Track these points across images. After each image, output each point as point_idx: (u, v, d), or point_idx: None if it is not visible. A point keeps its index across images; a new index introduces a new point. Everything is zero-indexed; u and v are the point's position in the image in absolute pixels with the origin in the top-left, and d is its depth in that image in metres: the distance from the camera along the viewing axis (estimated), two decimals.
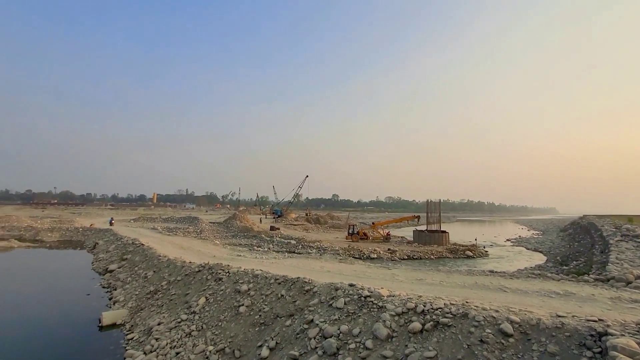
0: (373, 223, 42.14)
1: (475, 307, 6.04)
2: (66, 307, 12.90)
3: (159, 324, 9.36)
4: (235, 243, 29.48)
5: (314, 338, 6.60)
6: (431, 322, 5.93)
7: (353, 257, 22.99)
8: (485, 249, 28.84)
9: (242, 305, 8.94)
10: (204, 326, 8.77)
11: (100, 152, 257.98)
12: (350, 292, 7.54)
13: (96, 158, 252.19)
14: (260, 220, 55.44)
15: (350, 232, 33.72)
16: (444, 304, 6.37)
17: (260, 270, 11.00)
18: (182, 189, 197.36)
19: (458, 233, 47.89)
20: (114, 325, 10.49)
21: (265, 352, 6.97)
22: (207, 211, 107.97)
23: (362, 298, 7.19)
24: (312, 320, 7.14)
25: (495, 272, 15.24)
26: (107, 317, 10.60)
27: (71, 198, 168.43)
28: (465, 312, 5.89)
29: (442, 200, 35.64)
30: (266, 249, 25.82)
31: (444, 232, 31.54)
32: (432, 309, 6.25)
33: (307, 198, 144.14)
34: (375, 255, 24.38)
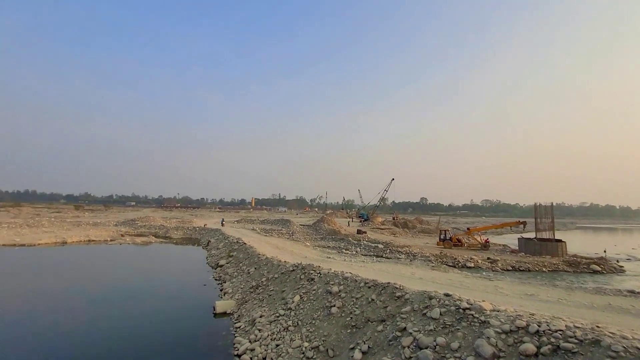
0: (468, 229, 38.53)
1: (610, 334, 4.98)
2: (188, 294, 15.39)
3: (260, 316, 10.37)
4: (324, 245, 30.59)
5: (408, 347, 6.39)
6: (549, 346, 5.11)
7: (446, 264, 21.45)
8: (620, 264, 23.47)
9: (334, 306, 9.24)
10: (299, 322, 9.35)
11: (211, 164, 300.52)
12: (447, 302, 7.06)
13: (208, 169, 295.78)
14: (348, 224, 56.30)
15: (443, 237, 31.55)
16: (566, 325, 5.43)
17: (350, 273, 11.19)
18: (275, 193, 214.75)
19: (579, 243, 40.23)
20: (224, 314, 12.01)
21: (358, 354, 7.05)
22: (297, 214, 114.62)
23: (461, 310, 6.66)
24: (405, 329, 6.93)
25: (638, 292, 12.30)
26: (220, 306, 12.22)
27: (189, 202, 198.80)
28: (596, 339, 4.91)
29: (554, 204, 30.36)
30: (354, 252, 26.10)
31: (560, 241, 26.91)
32: (549, 330, 5.39)
33: (393, 202, 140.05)
34: (473, 264, 22.24)
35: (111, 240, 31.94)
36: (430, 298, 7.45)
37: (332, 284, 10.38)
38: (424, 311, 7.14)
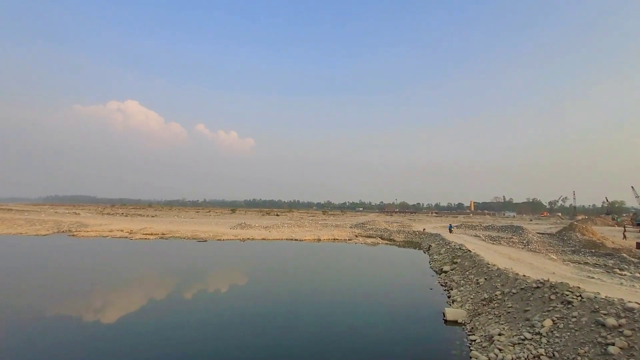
0: None
1: None
2: (415, 296, 16.00)
3: (499, 334, 9.25)
4: (579, 261, 23.37)
5: None
6: None
7: None
8: None
9: (612, 344, 6.88)
10: (556, 354, 7.59)
11: (423, 168, 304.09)
12: None
13: (425, 174, 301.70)
14: (624, 236, 40.33)
15: None
16: None
17: (637, 303, 8.00)
18: (498, 196, 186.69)
19: None
20: (455, 322, 11.58)
21: None
22: (531, 220, 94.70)
23: None
24: None
25: None
26: (450, 313, 11.92)
27: (406, 207, 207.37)
28: None
29: None
30: (636, 275, 18.32)
31: None
32: None
33: None
34: None
35: (349, 240, 38.39)
36: None
37: (606, 315, 7.80)
38: None
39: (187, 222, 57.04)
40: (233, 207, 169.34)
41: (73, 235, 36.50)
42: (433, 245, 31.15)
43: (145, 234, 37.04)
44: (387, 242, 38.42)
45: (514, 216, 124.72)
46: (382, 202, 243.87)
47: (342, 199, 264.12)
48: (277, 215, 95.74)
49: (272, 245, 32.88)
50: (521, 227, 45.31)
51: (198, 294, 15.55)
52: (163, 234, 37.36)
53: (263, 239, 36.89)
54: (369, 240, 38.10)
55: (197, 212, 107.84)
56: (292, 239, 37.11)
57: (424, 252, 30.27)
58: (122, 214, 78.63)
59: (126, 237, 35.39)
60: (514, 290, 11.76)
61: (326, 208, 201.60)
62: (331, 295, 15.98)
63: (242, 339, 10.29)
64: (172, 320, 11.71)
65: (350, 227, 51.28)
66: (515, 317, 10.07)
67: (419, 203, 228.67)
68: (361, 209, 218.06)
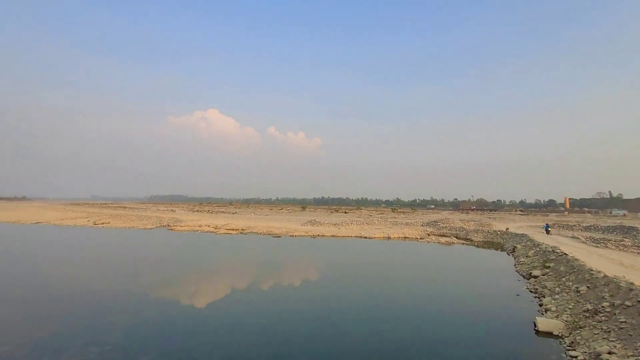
0: None
1: None
2: (499, 301, 14.70)
3: (609, 353, 8.04)
4: None
5: None
6: None
7: None
8: None
9: None
10: None
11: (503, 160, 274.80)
12: None
13: (507, 169, 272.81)
14: None
15: None
16: None
17: None
18: (602, 191, 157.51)
19: None
20: (549, 334, 10.38)
21: None
22: None
23: None
24: None
25: None
26: (542, 323, 10.73)
27: (485, 204, 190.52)
28: None
29: None
30: None
31: None
32: None
33: None
34: None
35: (420, 239, 36.91)
36: None
37: None
38: None
39: (262, 218, 61.25)
40: (303, 204, 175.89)
41: (171, 229, 42.22)
42: (519, 246, 28.12)
43: (228, 229, 40.94)
44: (463, 241, 35.90)
45: (624, 215, 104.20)
46: (456, 199, 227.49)
47: (412, 196, 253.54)
48: (346, 212, 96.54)
49: (342, 243, 33.42)
50: (636, 227, 38.04)
51: (276, 286, 16.72)
52: (243, 230, 40.82)
53: (333, 236, 37.68)
54: (443, 240, 36.08)
55: (271, 209, 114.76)
56: (361, 237, 37.16)
57: (508, 254, 27.52)
58: (208, 211, 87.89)
59: (212, 232, 39.62)
60: (628, 303, 10.05)
61: (395, 206, 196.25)
62: (404, 299, 15.31)
63: (313, 337, 10.80)
64: (251, 308, 12.86)
65: (422, 225, 49.16)
66: (631, 335, 8.63)
67: (499, 200, 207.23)
68: (433, 206, 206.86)
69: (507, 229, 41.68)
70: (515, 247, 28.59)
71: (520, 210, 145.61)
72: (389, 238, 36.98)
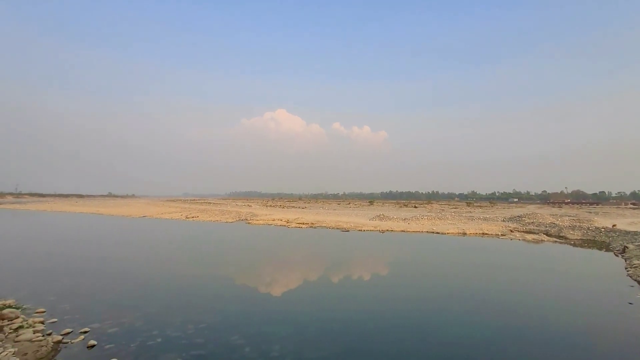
0: None
1: None
2: (603, 311, 12.65)
3: None
4: None
5: None
6: None
7: None
8: None
9: None
10: None
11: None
12: None
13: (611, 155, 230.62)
14: None
15: None
16: None
17: None
18: None
19: None
20: None
21: None
22: None
23: None
24: None
25: None
26: None
27: (583, 197, 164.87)
28: None
29: None
30: None
31: None
32: None
33: None
34: None
35: (501, 235, 33.65)
36: None
37: None
38: None
39: (330, 213, 62.56)
40: (370, 199, 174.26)
41: (248, 222, 45.93)
42: (631, 246, 23.76)
43: (299, 223, 42.86)
44: (555, 239, 31.64)
45: None
46: (545, 191, 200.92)
47: (490, 188, 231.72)
48: (415, 207, 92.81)
49: (412, 238, 32.35)
50: None
51: (353, 280, 17.06)
52: (312, 224, 42.32)
53: (402, 230, 36.70)
54: (529, 237, 32.33)
55: (338, 204, 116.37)
56: (432, 232, 35.45)
57: (616, 255, 23.46)
58: (280, 205, 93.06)
59: (284, 226, 41.94)
60: None
61: (471, 199, 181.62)
62: (487, 303, 13.96)
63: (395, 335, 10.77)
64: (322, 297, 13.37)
65: (503, 221, 44.71)
66: None
67: (602, 191, 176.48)
68: (516, 199, 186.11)
69: (614, 225, 35.48)
70: (626, 246, 24.26)
71: (632, 204, 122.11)
72: (464, 234, 34.55)
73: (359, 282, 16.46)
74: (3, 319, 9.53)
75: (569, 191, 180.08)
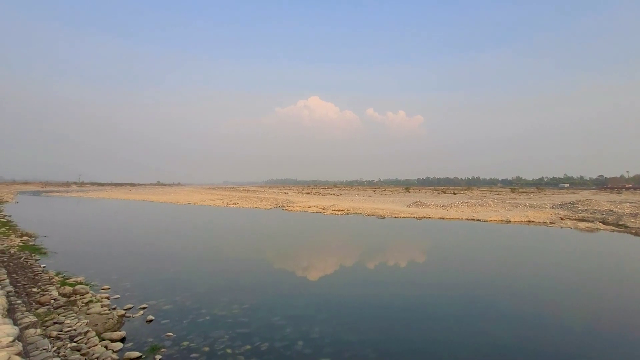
0: None
1: None
2: None
3: None
4: None
5: None
6: None
7: None
8: None
9: None
10: None
11: None
12: None
13: None
14: None
15: None
16: None
17: None
18: None
19: None
20: None
21: None
22: None
23: None
24: None
25: None
26: None
27: None
28: None
29: None
30: None
31: None
32: None
33: None
34: None
35: (550, 223, 31.50)
36: None
37: None
38: None
39: (366, 200, 62.24)
40: (406, 185, 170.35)
41: (285, 209, 47.17)
42: None
43: (334, 210, 43.24)
44: (613, 228, 29.01)
45: None
46: (602, 175, 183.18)
47: (538, 173, 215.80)
48: (454, 193, 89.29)
49: (451, 225, 31.36)
50: None
51: (388, 265, 17.08)
52: (348, 211, 42.47)
53: (440, 217, 35.67)
54: (583, 225, 29.93)
55: (374, 191, 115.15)
56: (473, 219, 34.06)
57: None
58: (315, 193, 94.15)
59: (320, 212, 42.53)
60: None
61: (515, 185, 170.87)
62: (544, 302, 13.51)
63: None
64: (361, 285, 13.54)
65: (552, 208, 41.69)
66: None
67: None
68: (567, 185, 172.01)
69: None
70: None
71: None
72: (508, 221, 32.81)
73: (396, 269, 16.41)
74: (76, 294, 10.84)
75: (631, 175, 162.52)
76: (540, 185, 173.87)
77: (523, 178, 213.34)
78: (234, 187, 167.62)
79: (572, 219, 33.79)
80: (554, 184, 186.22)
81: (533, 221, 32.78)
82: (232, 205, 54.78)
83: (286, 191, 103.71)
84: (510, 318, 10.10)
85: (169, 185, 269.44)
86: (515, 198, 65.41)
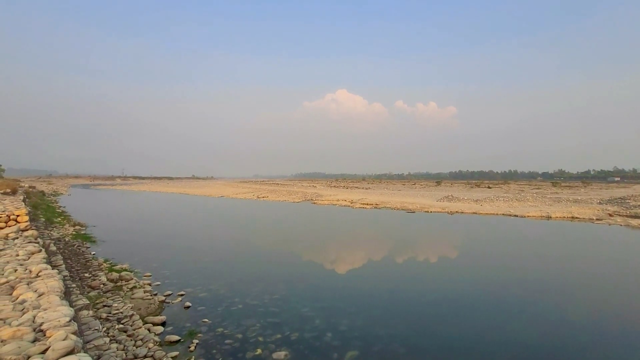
0: None
1: None
2: None
3: None
4: None
5: None
6: None
7: None
8: None
9: None
10: None
11: None
12: None
13: None
14: None
15: None
16: None
17: None
18: None
19: None
20: None
21: None
22: None
23: None
24: None
25: None
26: None
27: None
28: None
29: None
30: None
31: None
32: None
33: None
34: None
35: (597, 220, 29.29)
36: None
37: None
38: None
39: (395, 194, 61.21)
40: (438, 179, 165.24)
41: (314, 202, 47.59)
42: None
43: (363, 204, 42.99)
44: None
45: None
46: None
47: (582, 166, 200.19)
48: (489, 187, 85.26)
49: (486, 220, 30.10)
50: None
51: (417, 260, 16.81)
52: (377, 204, 42.06)
53: (474, 212, 34.34)
54: (635, 222, 27.51)
55: (403, 184, 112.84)
56: (509, 215, 32.45)
57: None
58: (344, 186, 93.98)
59: (348, 206, 42.48)
60: None
61: (557, 179, 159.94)
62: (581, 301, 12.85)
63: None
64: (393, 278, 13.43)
65: (599, 203, 38.67)
66: None
67: None
68: (617, 178, 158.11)
69: None
70: None
71: None
72: (548, 217, 30.91)
73: (426, 264, 16.10)
74: (122, 280, 11.72)
75: None
76: (586, 179, 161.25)
77: (566, 171, 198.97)
78: (263, 181, 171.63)
79: (623, 216, 31.18)
80: (602, 177, 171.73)
81: (577, 217, 30.65)
82: (262, 198, 56.12)
83: (314, 185, 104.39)
84: (545, 319, 9.60)
85: (203, 178, 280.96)
86: (557, 193, 61.30)
